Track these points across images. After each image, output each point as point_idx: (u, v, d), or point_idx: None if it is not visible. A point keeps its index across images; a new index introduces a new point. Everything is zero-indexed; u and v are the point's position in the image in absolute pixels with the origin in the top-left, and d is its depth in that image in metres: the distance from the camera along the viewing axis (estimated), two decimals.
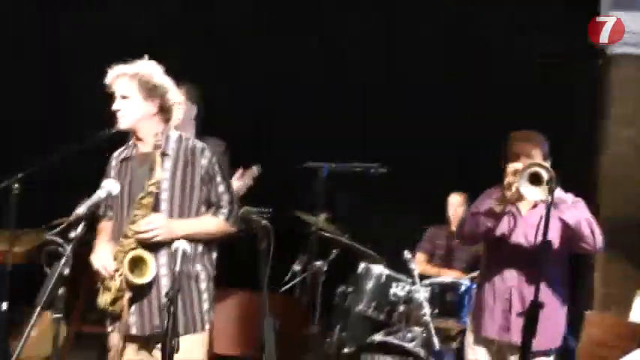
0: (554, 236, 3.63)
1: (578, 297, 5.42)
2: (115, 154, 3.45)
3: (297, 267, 5.11)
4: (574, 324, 4.69)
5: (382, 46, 6.47)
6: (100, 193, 3.05)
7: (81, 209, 2.93)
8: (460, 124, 6.07)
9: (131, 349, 3.31)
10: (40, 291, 2.85)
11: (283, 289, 5.10)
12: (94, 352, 4.76)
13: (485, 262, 3.89)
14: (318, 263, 4.86)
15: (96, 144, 4.32)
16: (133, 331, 3.24)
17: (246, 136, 5.98)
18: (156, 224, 3.19)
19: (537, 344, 3.50)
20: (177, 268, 3.02)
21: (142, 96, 3.28)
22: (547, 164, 3.49)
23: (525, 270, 3.61)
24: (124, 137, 3.74)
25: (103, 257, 3.24)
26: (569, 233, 3.60)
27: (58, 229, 2.98)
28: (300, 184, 4.90)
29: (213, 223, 3.33)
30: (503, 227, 3.73)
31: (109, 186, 3.09)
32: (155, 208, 3.22)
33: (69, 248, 2.87)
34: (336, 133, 6.12)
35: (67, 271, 2.84)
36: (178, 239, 3.12)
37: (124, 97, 3.29)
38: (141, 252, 3.17)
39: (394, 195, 5.92)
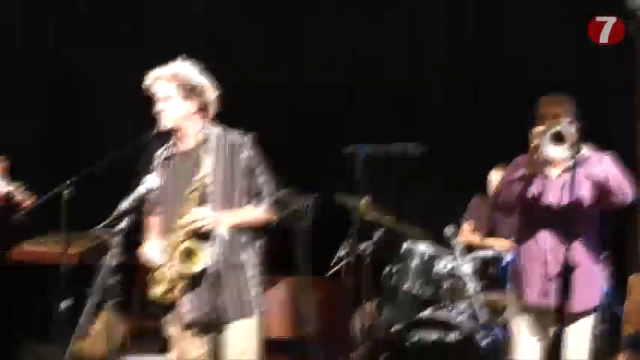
0: (585, 195, 3.71)
1: (624, 263, 5.49)
2: (157, 153, 3.61)
3: (342, 251, 5.26)
4: (619, 289, 4.78)
5: (414, 25, 6.55)
6: (140, 189, 3.24)
7: (124, 204, 3.15)
8: (502, 100, 6.12)
9: (187, 336, 3.49)
10: (93, 283, 3.04)
11: (330, 273, 5.23)
12: (156, 347, 4.91)
13: (519, 228, 3.96)
14: (363, 245, 5.00)
15: (139, 147, 4.54)
16: (187, 318, 3.43)
17: (283, 125, 6.12)
18: (202, 215, 3.36)
19: (576, 306, 3.60)
20: (217, 255, 3.18)
21: (182, 96, 3.43)
22: (568, 122, 3.55)
23: (559, 232, 3.67)
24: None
25: (150, 250, 3.43)
26: (599, 189, 3.66)
27: (104, 223, 3.18)
28: (340, 168, 4.98)
29: (256, 213, 3.48)
30: (534, 191, 3.79)
31: (150, 181, 3.27)
32: (201, 202, 3.39)
33: (116, 241, 3.03)
34: (373, 115, 6.23)
35: (115, 263, 3.02)
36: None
37: (164, 99, 3.44)
38: (191, 244, 3.35)
39: (434, 173, 6.04)
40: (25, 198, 3.90)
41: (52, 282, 5.00)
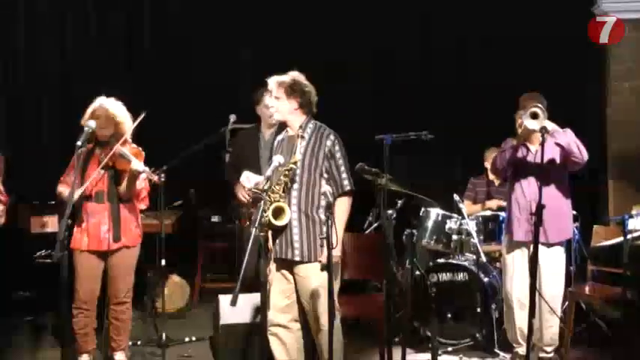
0: (555, 157, 5.10)
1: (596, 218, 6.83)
2: (279, 137, 4.81)
3: (371, 217, 6.48)
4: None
5: (416, 28, 7.76)
6: (274, 163, 4.46)
7: (268, 172, 4.44)
8: (493, 92, 7.26)
9: (275, 267, 4.66)
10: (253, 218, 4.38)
11: (367, 231, 6.41)
12: (214, 304, 5.69)
13: (510, 185, 5.31)
14: (388, 212, 6.10)
15: (217, 139, 5.79)
16: (275, 255, 4.62)
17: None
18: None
19: (551, 237, 5.01)
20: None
21: (286, 96, 4.65)
22: (541, 106, 4.91)
23: (538, 185, 4.86)
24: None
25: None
26: (564, 153, 5.05)
27: (256, 186, 4.51)
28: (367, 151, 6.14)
29: (344, 205, 4.64)
30: (520, 157, 5.18)
31: (278, 159, 4.50)
32: (292, 178, 4.57)
33: (264, 195, 4.41)
34: (389, 107, 7.47)
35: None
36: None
37: (276, 98, 4.68)
38: (281, 204, 4.53)
39: (443, 154, 7.28)
40: (154, 177, 5.23)
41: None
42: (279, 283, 4.71)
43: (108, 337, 5.41)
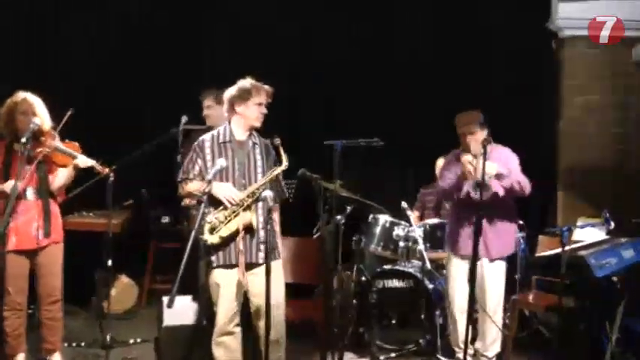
0: (499, 189, 5.13)
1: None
2: (207, 137, 4.78)
3: (320, 222, 6.50)
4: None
5: (369, 33, 7.77)
6: (217, 167, 4.51)
7: (209, 176, 4.47)
8: (444, 103, 7.12)
9: (236, 271, 4.65)
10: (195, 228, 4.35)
11: (315, 236, 6.34)
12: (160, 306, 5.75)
13: (453, 204, 5.39)
14: (338, 217, 6.06)
15: (168, 139, 5.79)
16: (241, 259, 4.62)
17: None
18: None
19: (495, 253, 5.09)
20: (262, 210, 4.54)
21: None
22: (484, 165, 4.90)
23: (481, 202, 4.93)
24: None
25: (229, 189, 4.62)
26: (508, 190, 5.12)
27: (198, 188, 4.56)
28: (320, 157, 5.95)
29: (278, 212, 4.87)
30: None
31: (222, 162, 4.54)
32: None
33: (205, 197, 4.44)
34: (343, 115, 7.51)
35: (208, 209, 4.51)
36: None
37: (265, 105, 4.75)
38: (253, 205, 4.64)
39: (392, 161, 7.35)
40: (103, 169, 5.20)
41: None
42: (236, 289, 4.73)
43: (40, 338, 5.23)
